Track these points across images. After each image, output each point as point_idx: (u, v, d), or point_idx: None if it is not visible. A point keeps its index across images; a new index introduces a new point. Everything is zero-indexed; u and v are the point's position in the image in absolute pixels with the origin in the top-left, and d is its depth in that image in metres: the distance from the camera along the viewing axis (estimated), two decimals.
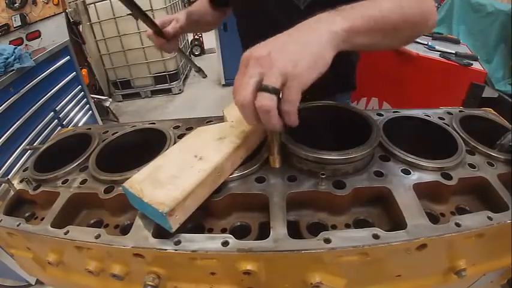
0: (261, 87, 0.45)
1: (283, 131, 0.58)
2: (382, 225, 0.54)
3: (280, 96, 0.46)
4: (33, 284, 1.74)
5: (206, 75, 1.23)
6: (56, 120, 2.31)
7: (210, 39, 4.99)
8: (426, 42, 2.02)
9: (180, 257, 0.48)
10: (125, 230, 0.58)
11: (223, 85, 4.28)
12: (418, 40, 1.98)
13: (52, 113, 2.27)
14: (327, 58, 0.48)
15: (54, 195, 0.62)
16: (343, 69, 0.98)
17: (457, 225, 0.47)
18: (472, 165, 0.59)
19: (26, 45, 2.38)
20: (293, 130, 0.49)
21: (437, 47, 1.99)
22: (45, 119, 2.19)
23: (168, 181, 0.49)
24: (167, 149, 0.67)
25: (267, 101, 0.45)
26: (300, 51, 0.47)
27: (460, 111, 0.75)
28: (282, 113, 0.47)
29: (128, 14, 3.69)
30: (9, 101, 1.84)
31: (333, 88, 0.97)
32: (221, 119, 0.76)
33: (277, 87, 0.45)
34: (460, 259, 0.51)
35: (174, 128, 0.77)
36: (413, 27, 0.63)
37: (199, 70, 1.18)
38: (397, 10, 0.57)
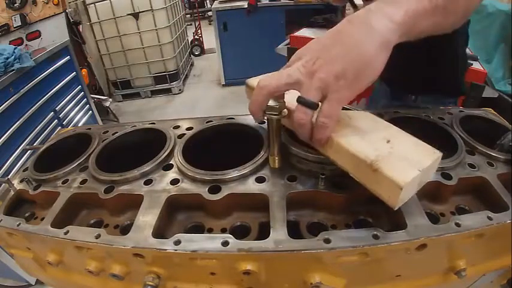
0: (298, 99, 0.42)
1: (283, 131, 0.58)
2: (382, 225, 0.54)
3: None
4: (33, 284, 1.75)
5: None
6: (56, 120, 2.32)
7: (210, 39, 4.99)
8: None
9: (180, 257, 0.48)
10: (125, 230, 0.58)
11: (223, 85, 4.28)
12: None
13: (52, 113, 2.28)
14: (378, 64, 0.42)
15: (54, 195, 0.62)
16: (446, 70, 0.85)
17: (457, 225, 0.47)
18: (472, 165, 0.59)
19: (26, 45, 2.39)
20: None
21: None
22: (45, 119, 2.19)
23: None
24: (167, 149, 0.67)
25: (302, 114, 0.41)
26: (346, 57, 0.40)
27: (460, 111, 0.75)
28: (315, 125, 0.43)
29: None
30: (9, 101, 1.85)
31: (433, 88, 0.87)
32: (221, 118, 0.76)
33: (315, 102, 0.41)
34: (460, 259, 0.51)
35: (174, 128, 0.76)
36: None
37: None
38: None
